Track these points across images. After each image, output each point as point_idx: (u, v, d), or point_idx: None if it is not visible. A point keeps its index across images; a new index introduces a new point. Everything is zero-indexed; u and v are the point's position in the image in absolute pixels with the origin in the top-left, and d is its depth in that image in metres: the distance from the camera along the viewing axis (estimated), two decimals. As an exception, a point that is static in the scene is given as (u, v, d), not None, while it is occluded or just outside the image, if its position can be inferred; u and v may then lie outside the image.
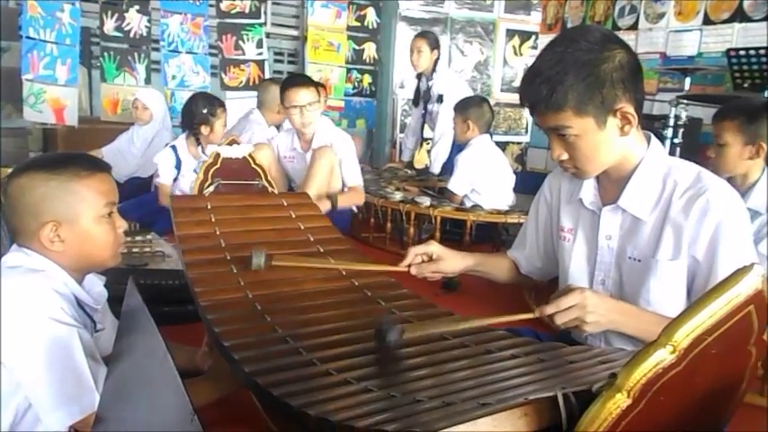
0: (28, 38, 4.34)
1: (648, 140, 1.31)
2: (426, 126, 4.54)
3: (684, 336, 0.62)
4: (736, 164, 2.09)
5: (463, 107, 3.58)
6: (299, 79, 3.33)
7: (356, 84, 5.82)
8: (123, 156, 4.07)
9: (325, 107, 4.31)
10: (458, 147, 3.87)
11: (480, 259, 1.60)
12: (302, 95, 3.12)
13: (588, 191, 1.38)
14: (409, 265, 1.49)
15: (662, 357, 0.62)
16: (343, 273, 1.48)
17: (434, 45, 4.22)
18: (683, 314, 0.63)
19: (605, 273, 1.36)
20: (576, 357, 1.04)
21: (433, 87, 4.25)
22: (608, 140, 1.23)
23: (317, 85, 3.32)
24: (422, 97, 4.37)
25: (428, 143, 4.86)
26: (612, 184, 1.33)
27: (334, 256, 1.55)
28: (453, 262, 1.52)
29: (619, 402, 0.63)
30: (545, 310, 1.15)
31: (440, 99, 4.18)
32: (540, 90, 1.19)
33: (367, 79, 5.88)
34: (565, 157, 1.28)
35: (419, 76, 4.36)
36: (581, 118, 1.19)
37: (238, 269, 1.41)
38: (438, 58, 4.26)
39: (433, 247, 1.50)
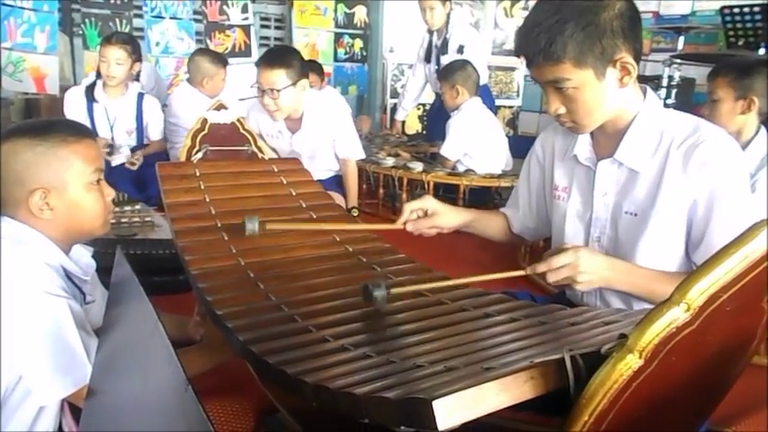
0: (4, 4, 4.21)
1: (644, 93, 1.28)
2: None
3: (699, 293, 0.59)
4: (729, 119, 2.10)
5: (448, 73, 3.52)
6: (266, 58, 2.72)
7: (348, 49, 5.70)
8: None
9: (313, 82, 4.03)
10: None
11: (476, 215, 1.58)
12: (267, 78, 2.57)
13: (583, 146, 1.35)
14: (405, 223, 1.46)
15: (675, 316, 0.60)
16: (337, 239, 1.45)
17: None
18: (698, 271, 0.61)
19: (601, 230, 1.34)
20: (577, 319, 1.02)
21: (451, 39, 3.96)
22: (607, 92, 1.20)
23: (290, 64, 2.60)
24: (439, 52, 4.01)
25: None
26: (608, 139, 1.30)
27: (327, 221, 1.53)
28: (449, 217, 1.49)
29: (630, 363, 0.61)
30: (537, 268, 1.14)
31: (460, 50, 3.92)
32: (539, 41, 1.14)
33: (358, 44, 5.75)
34: (562, 111, 1.24)
35: (431, 31, 4.05)
36: (580, 69, 1.15)
37: (229, 236, 1.38)
38: (451, 10, 3.98)
39: (429, 202, 1.47)
